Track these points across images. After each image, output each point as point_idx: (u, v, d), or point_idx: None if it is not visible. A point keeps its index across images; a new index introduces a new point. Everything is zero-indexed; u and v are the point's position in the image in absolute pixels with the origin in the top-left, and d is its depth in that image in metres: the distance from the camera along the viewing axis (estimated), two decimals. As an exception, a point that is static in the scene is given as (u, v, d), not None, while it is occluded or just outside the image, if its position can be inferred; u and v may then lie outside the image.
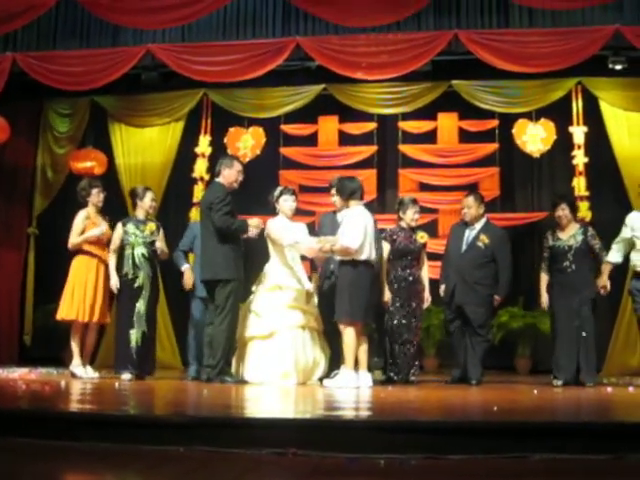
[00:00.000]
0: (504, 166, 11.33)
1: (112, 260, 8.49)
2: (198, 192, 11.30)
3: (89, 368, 8.63)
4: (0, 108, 10.68)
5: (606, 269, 8.30)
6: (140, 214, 8.72)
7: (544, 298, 8.48)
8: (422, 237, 8.75)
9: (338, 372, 7.56)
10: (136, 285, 8.40)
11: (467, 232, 8.59)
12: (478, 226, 8.56)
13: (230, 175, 8.10)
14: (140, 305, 8.37)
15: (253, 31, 10.50)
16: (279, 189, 8.58)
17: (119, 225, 8.59)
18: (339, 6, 9.80)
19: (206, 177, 11.37)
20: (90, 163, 11.28)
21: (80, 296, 8.51)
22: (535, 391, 6.91)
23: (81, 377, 8.34)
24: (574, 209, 8.74)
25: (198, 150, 11.51)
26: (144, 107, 11.75)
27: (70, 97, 11.55)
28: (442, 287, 8.62)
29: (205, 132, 11.61)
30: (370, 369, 7.93)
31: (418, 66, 10.16)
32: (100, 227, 8.64)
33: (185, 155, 11.56)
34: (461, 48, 10.14)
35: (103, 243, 8.68)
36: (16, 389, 6.26)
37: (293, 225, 8.39)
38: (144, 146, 11.70)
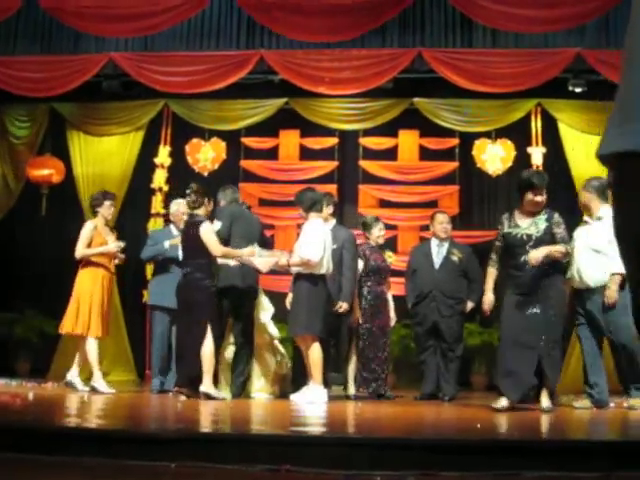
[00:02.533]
0: (463, 184, 11.40)
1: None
2: (157, 203, 11.20)
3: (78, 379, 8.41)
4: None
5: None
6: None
7: (488, 298, 7.03)
8: (390, 256, 8.96)
9: (306, 387, 7.54)
10: None
11: (435, 249, 8.69)
12: (446, 243, 8.67)
13: None
14: None
15: (217, 43, 10.49)
16: None
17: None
18: (302, 23, 9.83)
19: (165, 188, 11.27)
20: (48, 171, 11.07)
21: (86, 310, 8.29)
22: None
23: (78, 389, 8.07)
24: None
25: (157, 161, 11.40)
26: (104, 116, 11.58)
27: (28, 103, 11.36)
28: (409, 304, 8.71)
29: (165, 143, 11.50)
30: (327, 384, 7.94)
31: (381, 83, 10.27)
32: (117, 243, 8.51)
33: (144, 165, 11.41)
34: (424, 66, 10.26)
35: (110, 254, 8.54)
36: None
37: None
38: (103, 155, 11.51)
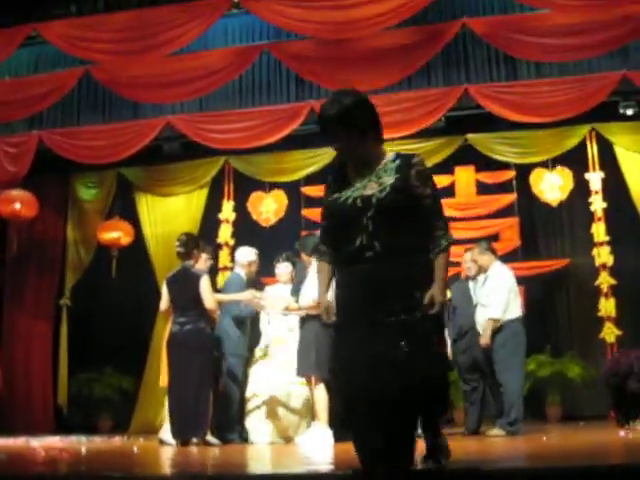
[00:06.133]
0: (523, 216, 11.37)
1: None
2: (224, 257, 11.50)
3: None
4: (29, 183, 11.11)
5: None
6: None
7: (323, 300, 4.29)
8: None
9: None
10: None
11: (472, 285, 8.83)
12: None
13: None
14: None
15: (268, 97, 10.80)
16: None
17: None
18: (346, 75, 10.03)
19: (231, 242, 11.56)
20: (117, 234, 11.48)
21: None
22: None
23: (171, 443, 7.93)
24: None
25: (222, 216, 11.75)
26: (168, 177, 12.03)
27: (96, 170, 11.91)
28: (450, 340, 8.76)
29: (228, 198, 11.84)
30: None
31: (430, 122, 10.34)
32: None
33: (210, 221, 11.77)
34: (472, 102, 10.31)
35: None
36: (35, 455, 6.42)
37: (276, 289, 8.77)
38: (170, 215, 11.94)
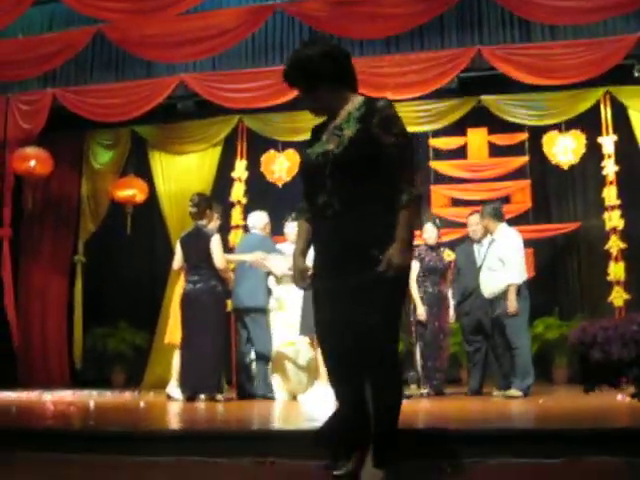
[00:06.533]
0: (535, 178, 11.35)
1: None
2: (236, 216, 11.56)
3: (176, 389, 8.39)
4: (44, 140, 11.19)
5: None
6: None
7: (296, 264, 3.85)
8: (448, 255, 9.09)
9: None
10: None
11: (476, 248, 8.88)
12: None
13: None
14: None
15: (281, 57, 10.75)
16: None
17: None
18: (359, 32, 10.03)
19: (243, 201, 11.63)
20: (132, 191, 11.60)
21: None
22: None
23: (177, 399, 8.14)
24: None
25: (235, 175, 11.79)
26: (182, 134, 12.08)
27: (111, 128, 11.96)
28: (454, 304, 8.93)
29: (241, 157, 11.87)
30: (406, 382, 8.16)
31: (444, 83, 10.31)
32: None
33: (223, 180, 11.81)
34: (486, 63, 10.27)
35: None
36: (43, 410, 6.63)
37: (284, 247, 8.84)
38: (183, 173, 12.00)
